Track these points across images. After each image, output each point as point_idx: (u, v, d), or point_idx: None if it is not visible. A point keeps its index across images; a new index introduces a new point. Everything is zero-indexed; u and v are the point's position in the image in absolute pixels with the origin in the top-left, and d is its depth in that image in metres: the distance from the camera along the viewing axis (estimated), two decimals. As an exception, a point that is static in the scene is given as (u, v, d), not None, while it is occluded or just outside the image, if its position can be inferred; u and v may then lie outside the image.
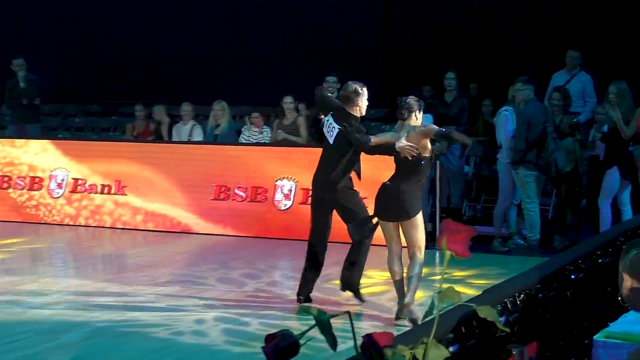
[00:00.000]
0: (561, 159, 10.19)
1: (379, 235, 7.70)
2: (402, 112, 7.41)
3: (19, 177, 12.62)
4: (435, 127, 7.40)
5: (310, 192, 8.01)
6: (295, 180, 11.14)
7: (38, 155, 12.59)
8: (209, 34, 17.48)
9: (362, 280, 8.05)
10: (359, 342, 2.01)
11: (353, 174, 7.80)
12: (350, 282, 7.87)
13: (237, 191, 11.46)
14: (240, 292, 8.52)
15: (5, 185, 12.67)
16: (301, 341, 2.02)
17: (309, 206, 8.12)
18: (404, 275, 7.42)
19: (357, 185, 7.92)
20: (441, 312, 2.14)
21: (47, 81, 14.79)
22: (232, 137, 12.40)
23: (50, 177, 12.44)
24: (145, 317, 7.56)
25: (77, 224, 12.16)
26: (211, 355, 6.72)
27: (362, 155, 7.79)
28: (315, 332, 2.03)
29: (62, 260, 10.90)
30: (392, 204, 7.29)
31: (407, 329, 6.21)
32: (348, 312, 2.13)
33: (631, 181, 10.10)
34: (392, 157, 7.39)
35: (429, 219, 10.44)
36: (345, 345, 2.14)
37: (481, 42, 15.26)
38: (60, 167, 12.42)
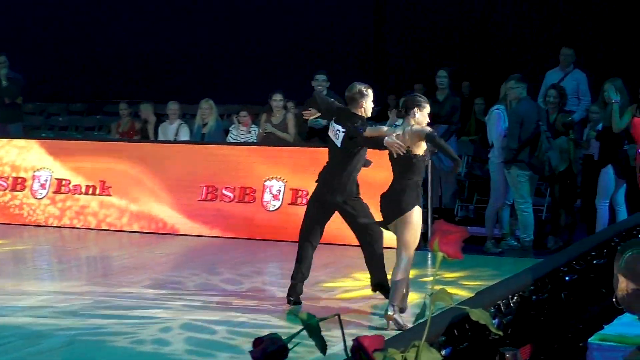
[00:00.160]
0: (555, 158, 10.08)
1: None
2: (400, 109, 7.39)
3: (1, 177, 12.40)
4: (428, 128, 7.26)
5: (314, 190, 7.88)
6: (285, 180, 10.94)
7: (21, 155, 12.36)
8: (196, 32, 17.33)
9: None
10: (349, 345, 1.98)
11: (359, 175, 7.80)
12: (377, 282, 7.86)
13: (224, 192, 11.27)
14: (224, 295, 8.33)
15: (-13, 185, 12.45)
16: (289, 345, 1.98)
17: (298, 207, 7.99)
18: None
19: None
20: (433, 315, 2.13)
21: (29, 79, 14.59)
22: (219, 137, 12.20)
23: (34, 177, 12.23)
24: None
25: (61, 224, 11.96)
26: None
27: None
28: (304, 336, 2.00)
29: (47, 262, 10.68)
30: (388, 205, 7.23)
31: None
32: (338, 315, 2.11)
33: (626, 180, 9.99)
34: (388, 155, 7.32)
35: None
36: (336, 348, 2.08)
37: (473, 40, 15.16)
38: (43, 167, 12.21)
